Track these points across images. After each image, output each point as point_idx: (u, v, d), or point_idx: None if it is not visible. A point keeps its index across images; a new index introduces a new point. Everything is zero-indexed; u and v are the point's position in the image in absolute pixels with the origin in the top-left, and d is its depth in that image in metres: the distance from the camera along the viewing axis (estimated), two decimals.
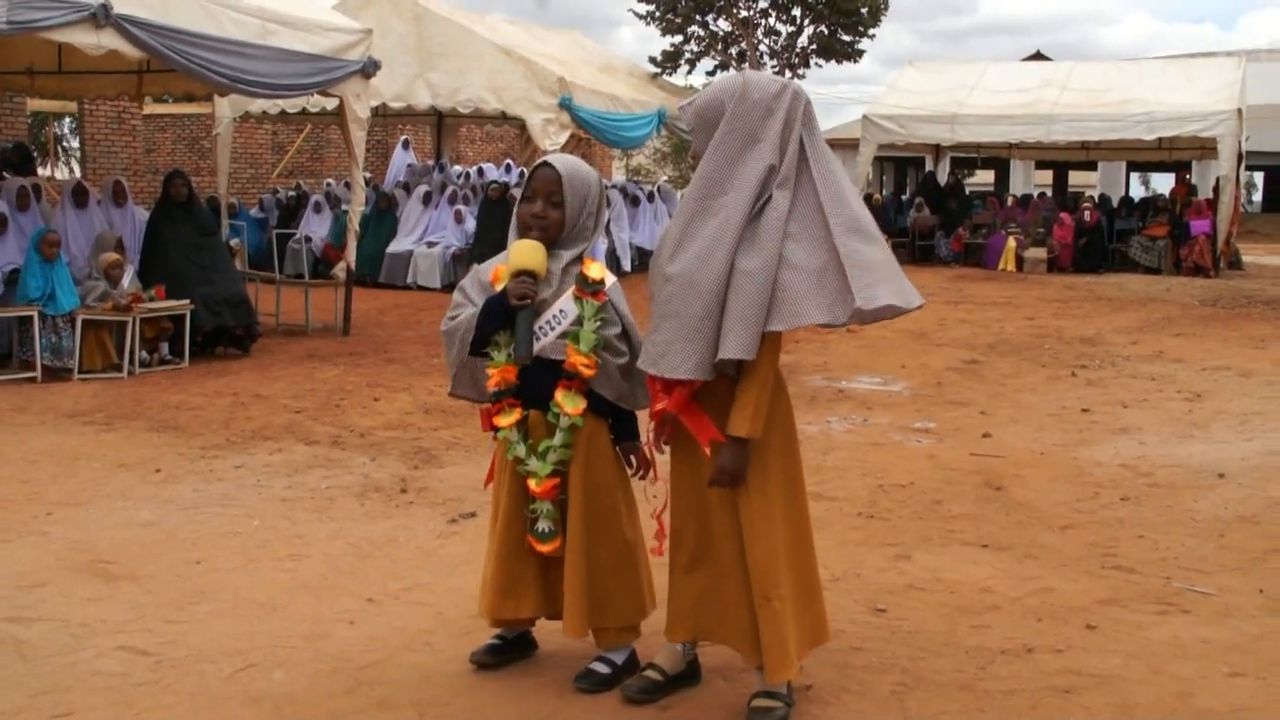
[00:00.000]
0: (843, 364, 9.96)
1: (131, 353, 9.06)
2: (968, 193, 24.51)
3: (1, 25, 7.82)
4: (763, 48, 27.72)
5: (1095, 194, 26.53)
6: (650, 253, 18.29)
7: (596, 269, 3.48)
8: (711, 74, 27.82)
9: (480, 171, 20.20)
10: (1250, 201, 42.78)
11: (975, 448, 6.95)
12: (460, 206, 16.37)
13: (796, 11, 27.24)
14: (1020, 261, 19.97)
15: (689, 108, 3.29)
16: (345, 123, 11.18)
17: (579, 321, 3.40)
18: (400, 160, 20.59)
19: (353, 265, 11.87)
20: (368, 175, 16.77)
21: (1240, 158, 20.08)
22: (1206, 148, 21.08)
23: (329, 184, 19.29)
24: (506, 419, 3.46)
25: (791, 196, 3.13)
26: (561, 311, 3.41)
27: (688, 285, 3.10)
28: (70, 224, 10.10)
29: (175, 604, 4.25)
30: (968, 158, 30.72)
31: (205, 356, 9.87)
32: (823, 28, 27.34)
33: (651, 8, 26.89)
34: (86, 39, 8.36)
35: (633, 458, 3.56)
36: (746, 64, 26.50)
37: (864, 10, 26.90)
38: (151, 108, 22.77)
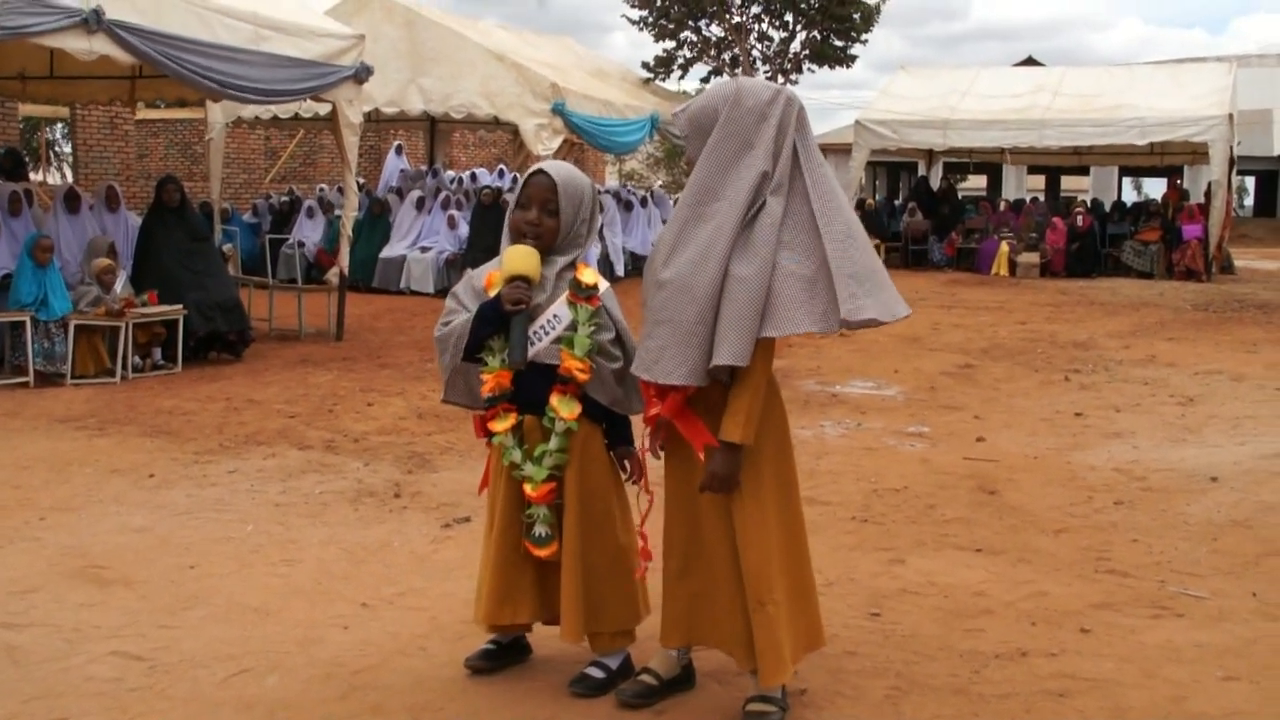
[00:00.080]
0: (836, 368, 9.97)
1: (124, 358, 9.04)
2: (960, 198, 24.58)
3: None
4: (755, 53, 27.73)
5: (1087, 199, 26.62)
6: (643, 258, 18.33)
7: (590, 274, 3.49)
8: (705, 80, 27.82)
9: (473, 177, 20.20)
10: (1242, 206, 42.93)
11: (969, 452, 6.96)
12: (453, 212, 16.37)
13: (789, 17, 27.26)
14: (1013, 266, 20.01)
15: (683, 114, 3.29)
16: (338, 128, 11.18)
17: (573, 326, 3.41)
18: (393, 165, 20.59)
19: (346, 270, 11.85)
20: (361, 180, 16.75)
21: (1232, 162, 20.14)
22: (1198, 153, 21.14)
23: (322, 189, 19.29)
24: (502, 424, 3.45)
25: (785, 203, 3.14)
26: (556, 317, 3.42)
27: (682, 291, 3.10)
28: (62, 229, 10.08)
29: (168, 609, 4.24)
30: (960, 163, 30.81)
31: (198, 361, 9.85)
32: (815, 33, 27.34)
33: (644, 13, 26.90)
34: (78, 44, 8.33)
35: (626, 463, 3.57)
36: (740, 69, 26.53)
37: (856, 16, 26.91)
38: (144, 113, 22.75)
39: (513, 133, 17.68)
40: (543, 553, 3.44)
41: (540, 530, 3.43)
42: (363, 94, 11.41)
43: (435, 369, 3.63)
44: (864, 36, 27.52)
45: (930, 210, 22.00)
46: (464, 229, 16.09)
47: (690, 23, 26.92)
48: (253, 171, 24.87)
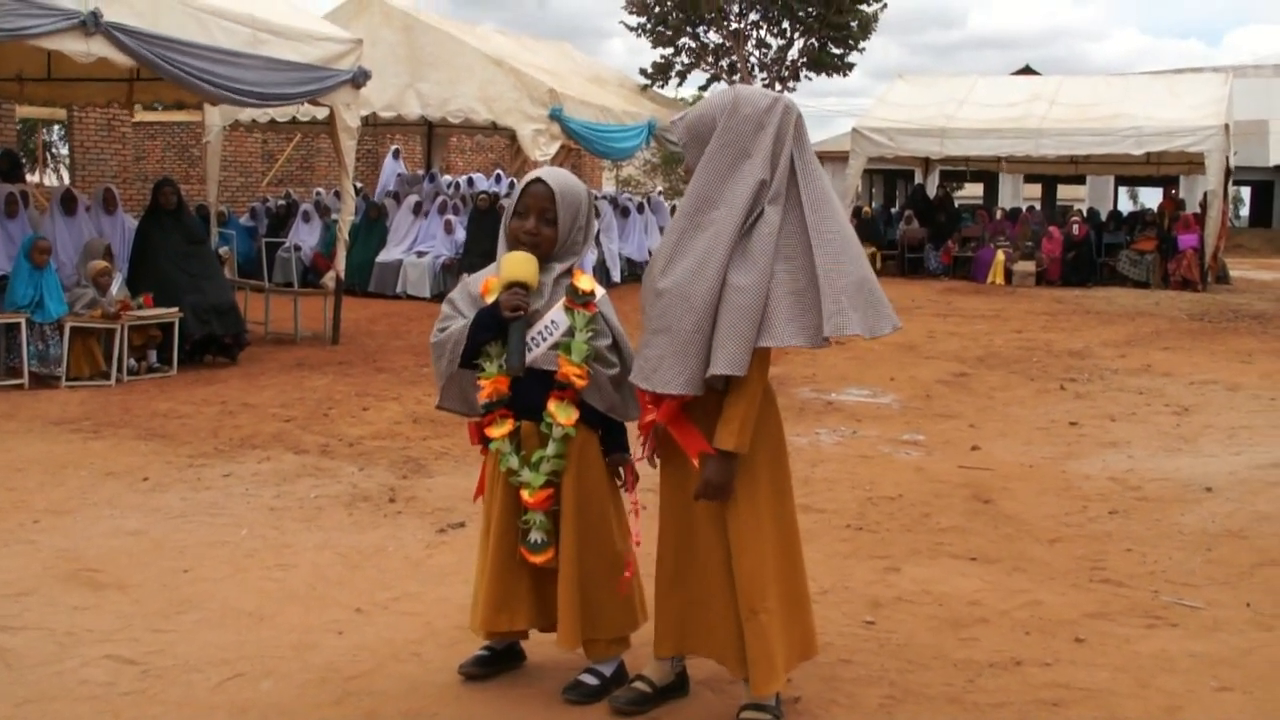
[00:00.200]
0: (831, 376, 9.97)
1: (120, 360, 9.03)
2: (957, 206, 24.60)
3: None
4: (753, 60, 27.78)
5: (1084, 208, 26.63)
6: (640, 264, 18.40)
7: (586, 281, 3.49)
8: (703, 87, 27.88)
9: (470, 181, 20.20)
10: (1237, 216, 43.02)
11: (964, 460, 6.96)
12: (450, 216, 16.37)
13: (787, 24, 27.30)
14: (1009, 275, 20.03)
15: (681, 123, 3.29)
16: (335, 132, 11.18)
17: (570, 333, 3.41)
18: (390, 170, 20.60)
19: (342, 274, 11.86)
20: (358, 184, 16.77)
21: (1228, 173, 20.18)
22: (1194, 163, 21.18)
23: (319, 193, 19.29)
24: (499, 430, 3.45)
25: (782, 212, 3.14)
26: (553, 323, 3.42)
27: (680, 300, 3.10)
28: (59, 231, 10.08)
29: (162, 613, 4.23)
30: (957, 171, 30.81)
31: (193, 365, 9.84)
32: (813, 41, 27.40)
33: (642, 20, 26.95)
34: (76, 47, 8.33)
35: (621, 470, 3.56)
36: (738, 76, 26.56)
37: (854, 24, 26.96)
38: (141, 115, 22.73)
39: (510, 138, 17.70)
40: (538, 559, 3.43)
41: (536, 536, 3.43)
42: (360, 98, 11.42)
43: (431, 374, 3.63)
44: (861, 44, 27.59)
45: (927, 218, 22.02)
46: (461, 234, 16.10)
47: (688, 29, 26.96)
48: (250, 175, 24.87)
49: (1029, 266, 20.09)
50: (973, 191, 40.10)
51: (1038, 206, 29.85)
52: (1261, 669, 3.88)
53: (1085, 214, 22.85)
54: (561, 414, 3.40)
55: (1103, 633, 4.20)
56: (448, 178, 20.68)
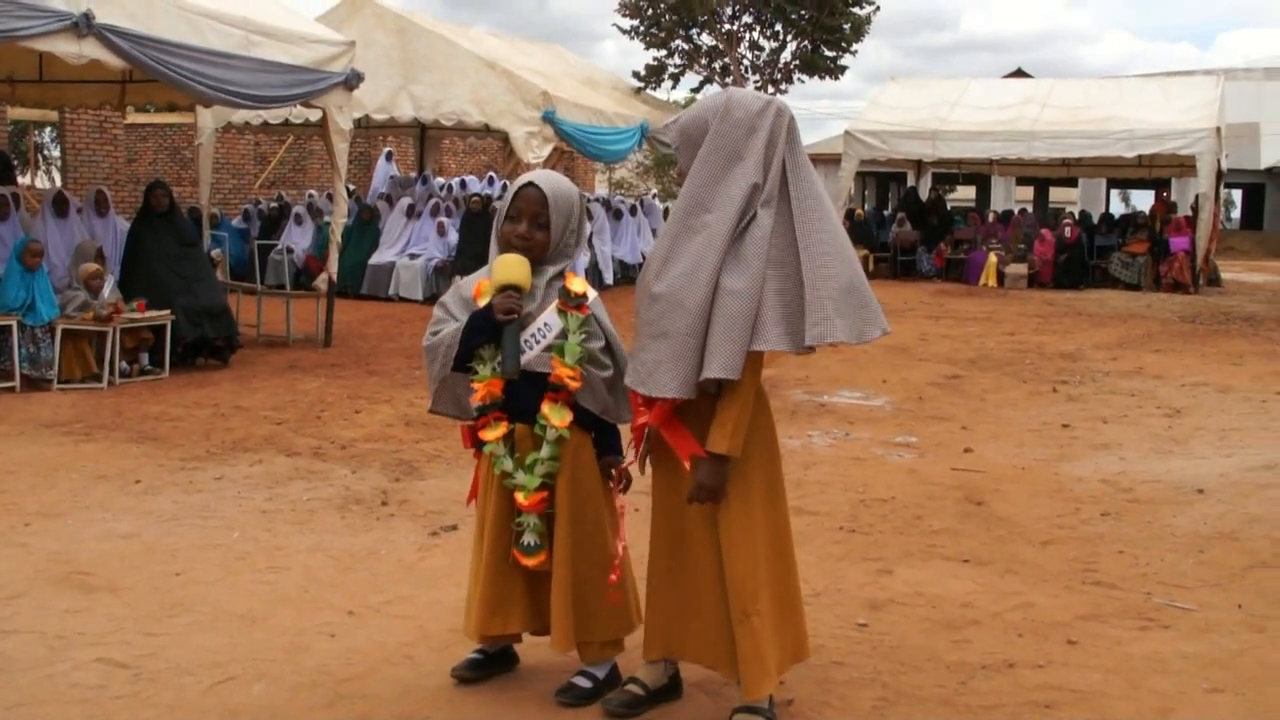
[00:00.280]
0: (824, 378, 9.98)
1: (111, 363, 9.01)
2: (949, 208, 24.64)
3: None
4: (746, 63, 27.81)
5: (1076, 210, 26.72)
6: (632, 266, 18.37)
7: (579, 283, 3.49)
8: (696, 89, 27.90)
9: (463, 184, 20.21)
10: (1229, 219, 43.11)
11: (956, 463, 6.97)
12: (443, 219, 16.37)
13: (780, 27, 27.35)
14: (1001, 277, 20.07)
15: (673, 126, 3.29)
16: (328, 134, 11.17)
17: (563, 335, 3.41)
18: (383, 172, 20.58)
19: (334, 276, 11.85)
20: (350, 187, 16.76)
21: (1219, 175, 20.23)
22: (1186, 165, 21.25)
23: (311, 195, 19.28)
24: (493, 433, 3.45)
25: (774, 215, 3.14)
26: (546, 325, 3.42)
27: (674, 305, 3.10)
28: (50, 233, 10.06)
29: (154, 616, 4.22)
30: (949, 173, 30.89)
31: (185, 367, 9.83)
32: (806, 43, 27.45)
33: (635, 22, 26.98)
34: (68, 48, 8.31)
35: (613, 471, 3.56)
36: (731, 79, 26.58)
37: (847, 26, 27.02)
38: (133, 117, 22.70)
39: (503, 140, 17.70)
40: (531, 562, 3.43)
41: (530, 539, 3.42)
42: (353, 100, 11.41)
43: (423, 376, 3.62)
44: (854, 47, 27.64)
45: (919, 221, 22.06)
46: (453, 236, 16.09)
47: (681, 32, 27.00)
48: (242, 177, 24.84)
49: (1021, 269, 20.14)
50: (965, 194, 40.17)
51: (1030, 209, 29.85)
52: (1253, 670, 3.89)
53: (1077, 216, 22.91)
54: (555, 416, 3.40)
55: (1095, 634, 4.20)
56: (440, 180, 20.69)
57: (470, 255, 14.45)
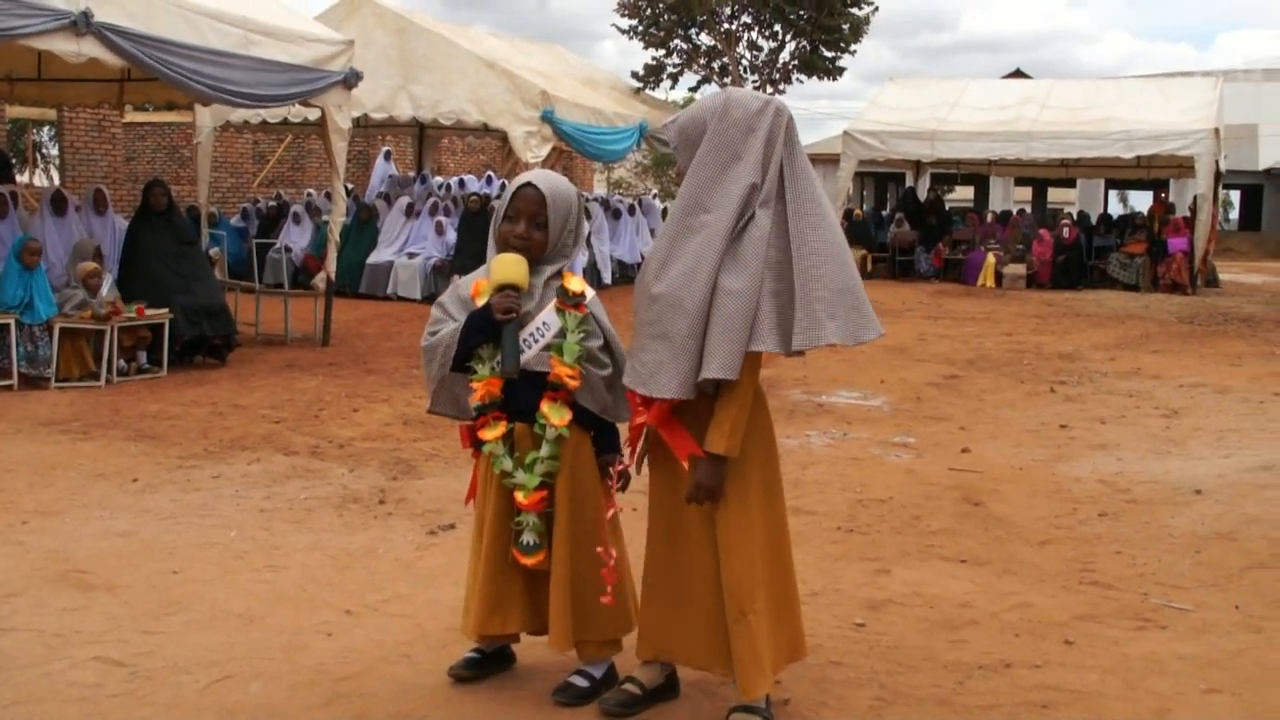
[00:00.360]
0: (822, 378, 9.98)
1: (109, 361, 9.01)
2: (947, 209, 24.65)
3: None
4: (744, 63, 27.83)
5: (1074, 211, 26.74)
6: (631, 266, 18.36)
7: (577, 282, 3.49)
8: (694, 89, 27.92)
9: (461, 183, 20.19)
10: (1227, 220, 43.17)
11: (954, 463, 6.97)
12: (441, 218, 16.36)
13: (778, 27, 27.37)
14: (999, 277, 20.07)
15: (672, 125, 3.29)
16: (327, 133, 11.17)
17: (562, 334, 3.41)
18: (381, 171, 20.58)
19: (333, 275, 11.84)
20: (349, 186, 16.75)
21: (1218, 176, 20.24)
22: (1184, 166, 21.25)
23: (310, 194, 19.26)
24: (492, 433, 3.45)
25: (772, 217, 3.14)
26: (544, 324, 3.42)
27: (673, 305, 3.10)
28: (49, 232, 10.05)
29: (151, 615, 4.22)
30: (948, 174, 30.89)
31: (183, 366, 9.83)
32: (804, 43, 27.48)
33: (634, 22, 26.99)
34: (66, 47, 8.31)
35: (611, 470, 3.56)
36: (730, 78, 26.59)
37: (845, 26, 27.04)
38: (132, 116, 22.69)
39: (501, 139, 17.70)
40: (529, 561, 3.43)
41: (528, 538, 3.43)
42: (352, 99, 11.41)
43: (421, 376, 3.62)
44: (853, 47, 27.67)
45: (917, 221, 22.07)
46: (452, 235, 16.09)
47: (680, 32, 27.01)
48: (240, 176, 24.83)
49: (1019, 269, 20.15)
50: (963, 194, 40.19)
51: (1028, 209, 29.89)
52: (1250, 671, 3.89)
53: (1075, 217, 22.93)
54: (555, 415, 3.40)
55: (1092, 635, 4.21)
56: (439, 179, 20.69)
57: (468, 254, 14.45)
